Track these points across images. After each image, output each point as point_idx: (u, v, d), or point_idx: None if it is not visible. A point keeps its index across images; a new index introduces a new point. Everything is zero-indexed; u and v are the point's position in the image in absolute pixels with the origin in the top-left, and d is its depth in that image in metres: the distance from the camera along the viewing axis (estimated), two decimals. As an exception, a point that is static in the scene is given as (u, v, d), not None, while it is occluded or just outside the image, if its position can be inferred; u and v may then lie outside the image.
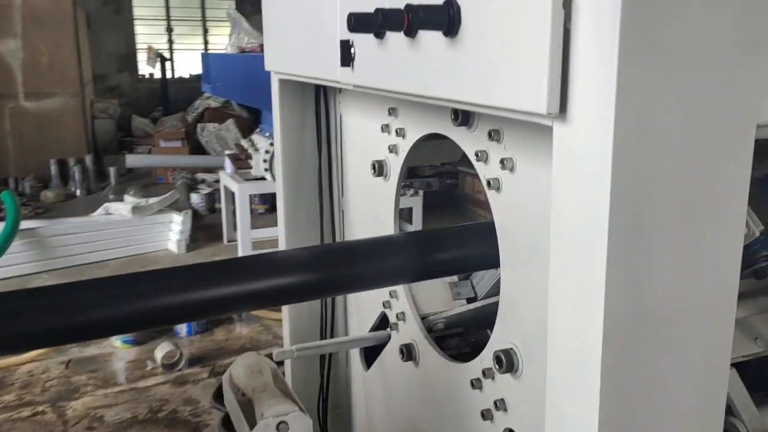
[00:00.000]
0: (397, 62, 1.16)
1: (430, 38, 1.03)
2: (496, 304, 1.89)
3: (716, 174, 0.78)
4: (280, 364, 1.84)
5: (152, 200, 6.24)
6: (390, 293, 1.88)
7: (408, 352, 1.80)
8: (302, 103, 2.17)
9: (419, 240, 1.70)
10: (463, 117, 1.38)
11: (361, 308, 2.15)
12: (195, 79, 12.52)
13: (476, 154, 1.37)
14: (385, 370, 2.00)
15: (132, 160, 8.00)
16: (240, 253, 5.82)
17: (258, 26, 6.54)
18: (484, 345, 1.84)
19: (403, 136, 1.71)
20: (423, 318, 1.82)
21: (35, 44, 8.44)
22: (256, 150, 5.78)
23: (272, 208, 7.56)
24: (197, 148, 9.29)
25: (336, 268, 1.58)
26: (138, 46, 12.31)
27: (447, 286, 1.95)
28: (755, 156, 0.79)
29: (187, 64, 12.83)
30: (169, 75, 12.37)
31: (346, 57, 1.34)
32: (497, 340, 1.40)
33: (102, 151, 9.48)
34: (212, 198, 7.47)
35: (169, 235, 6.12)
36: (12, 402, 3.55)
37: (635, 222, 0.76)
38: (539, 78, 0.79)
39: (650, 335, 0.80)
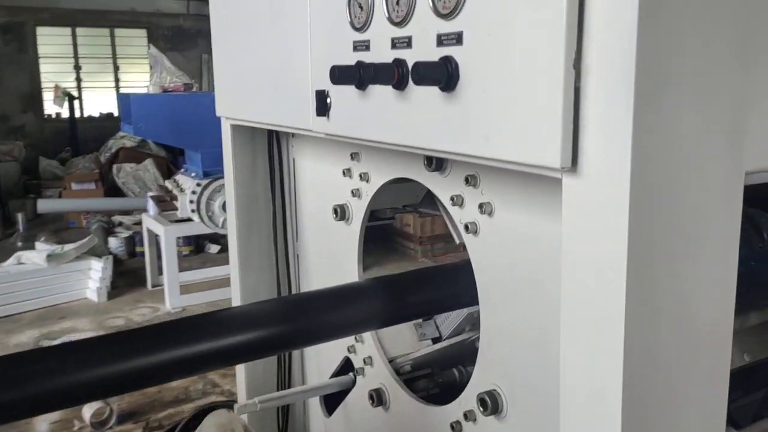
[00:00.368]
0: (383, 113, 1.17)
1: (423, 91, 1.05)
2: (463, 343, 1.93)
3: (716, 217, 0.85)
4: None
5: (68, 247, 5.91)
6: (355, 338, 1.86)
7: (378, 397, 1.78)
8: (253, 147, 2.14)
9: (387, 285, 1.70)
10: (437, 163, 1.41)
11: (321, 354, 2.12)
12: (106, 118, 12.10)
13: (452, 199, 1.39)
14: (351, 416, 1.97)
15: (45, 204, 7.56)
16: (167, 298, 5.62)
17: (179, 64, 6.42)
18: (452, 385, 1.86)
19: (368, 180, 1.72)
20: (390, 361, 1.82)
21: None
22: (182, 191, 5.62)
23: (197, 250, 7.34)
24: (112, 190, 8.92)
25: (302, 319, 1.55)
26: (44, 84, 11.78)
27: (411, 327, 1.96)
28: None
29: (97, 103, 12.38)
30: (78, 114, 11.88)
31: (322, 107, 1.35)
32: (479, 382, 1.41)
33: (6, 195, 8.93)
34: (132, 241, 7.17)
35: (89, 283, 5.81)
36: None
37: (648, 267, 0.80)
38: (551, 134, 0.82)
39: (663, 370, 0.84)
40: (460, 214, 1.39)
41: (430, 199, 1.97)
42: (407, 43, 1.09)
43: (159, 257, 6.01)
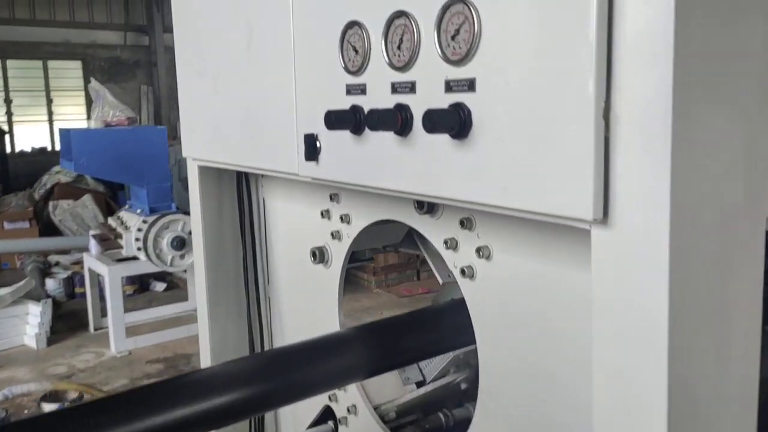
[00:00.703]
0: (383, 159, 1.13)
1: (430, 138, 1.01)
2: (448, 386, 1.88)
3: (740, 263, 0.84)
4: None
5: (3, 291, 5.59)
6: (337, 385, 1.79)
7: (364, 448, 1.71)
8: (219, 187, 2.07)
9: (371, 333, 1.64)
10: (429, 206, 1.37)
11: (297, 403, 2.03)
12: (39, 153, 11.63)
13: (445, 242, 1.36)
14: (333, 467, 1.88)
15: (-25, 246, 7.15)
16: (112, 342, 5.35)
17: (117, 97, 6.22)
18: (439, 430, 1.81)
19: (349, 222, 1.67)
20: (375, 408, 1.75)
21: None
22: (127, 228, 5.41)
23: (142, 288, 7.06)
24: (48, 228, 8.52)
25: (283, 377, 1.46)
26: (-29, 119, 11.27)
27: (395, 372, 1.90)
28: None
29: (29, 137, 11.89)
30: (8, 149, 11.37)
31: (312, 151, 1.30)
32: (479, 431, 1.37)
33: (-70, 236, 8.40)
34: (71, 282, 6.84)
35: (26, 329, 5.49)
36: None
37: (686, 317, 0.78)
38: (581, 185, 0.80)
39: (703, 422, 0.83)
40: (455, 258, 1.35)
41: (410, 238, 1.93)
42: (410, 88, 1.06)
43: (102, 298, 5.75)
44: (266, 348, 2.13)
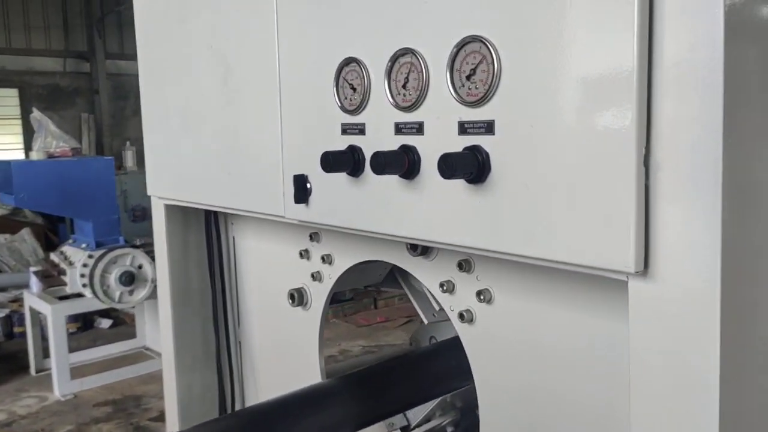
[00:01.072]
0: (386, 203, 1.06)
1: (440, 182, 0.95)
2: (434, 430, 1.80)
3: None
4: None
5: (-66, 333, 5.21)
6: (319, 436, 1.69)
7: (351, 502, 1.61)
8: (185, 226, 1.96)
9: (357, 383, 1.55)
10: (423, 248, 1.31)
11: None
12: (-29, 184, 11.05)
13: (441, 285, 1.30)
14: None
15: None
16: (56, 385, 5.05)
17: (59, 126, 5.96)
18: (428, 478, 1.73)
19: (331, 263, 1.59)
20: (361, 459, 1.66)
21: None
22: (71, 264, 5.15)
23: (85, 326, 6.72)
24: (-18, 264, 8.05)
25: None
26: None
27: (379, 419, 1.81)
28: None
29: (-40, 167, 11.30)
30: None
31: (301, 193, 1.22)
32: (481, 485, 1.29)
33: None
34: (9, 321, 6.45)
35: (-40, 374, 5.12)
36: None
37: (738, 378, 0.74)
38: (620, 236, 0.75)
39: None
40: (451, 301, 1.29)
41: (392, 278, 1.86)
42: (417, 129, 1.00)
43: (43, 338, 5.43)
44: (237, 397, 2.01)
